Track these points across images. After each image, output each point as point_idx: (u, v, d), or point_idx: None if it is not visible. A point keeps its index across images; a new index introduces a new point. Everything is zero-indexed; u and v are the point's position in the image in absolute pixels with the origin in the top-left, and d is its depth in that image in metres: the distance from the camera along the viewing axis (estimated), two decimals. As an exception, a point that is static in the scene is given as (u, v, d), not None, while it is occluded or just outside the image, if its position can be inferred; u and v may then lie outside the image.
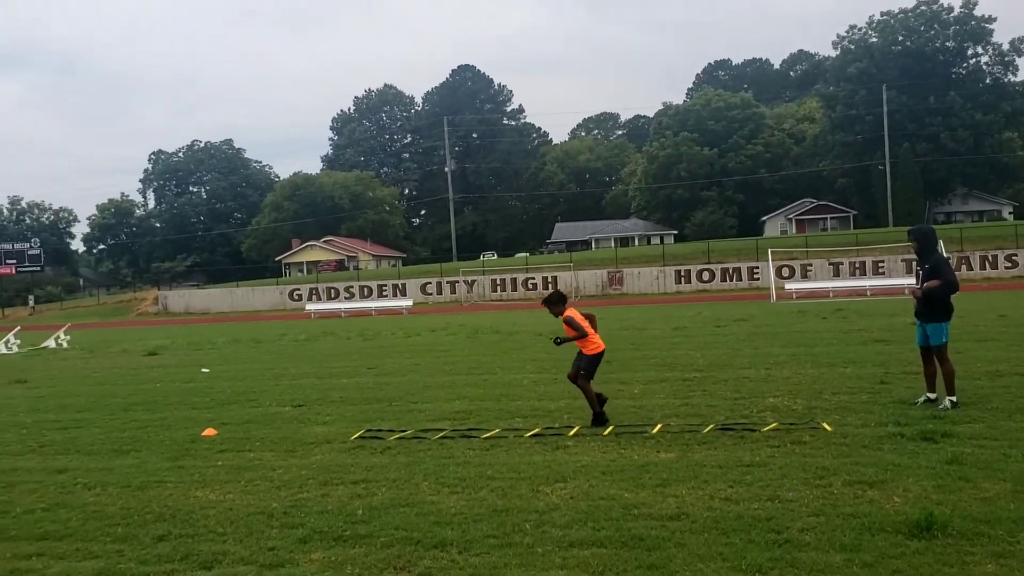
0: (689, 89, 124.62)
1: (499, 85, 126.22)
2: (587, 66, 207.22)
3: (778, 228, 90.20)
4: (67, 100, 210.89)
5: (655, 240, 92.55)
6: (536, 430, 9.33)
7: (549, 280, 59.58)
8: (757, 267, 55.46)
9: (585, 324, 9.66)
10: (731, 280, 56.32)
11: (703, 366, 14.54)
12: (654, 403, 10.88)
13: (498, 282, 61.14)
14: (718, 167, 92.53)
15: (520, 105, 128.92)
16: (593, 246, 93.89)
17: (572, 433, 9.10)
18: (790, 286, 45.40)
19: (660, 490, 6.73)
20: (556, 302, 9.92)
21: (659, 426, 9.21)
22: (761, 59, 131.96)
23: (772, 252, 49.36)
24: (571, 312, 9.73)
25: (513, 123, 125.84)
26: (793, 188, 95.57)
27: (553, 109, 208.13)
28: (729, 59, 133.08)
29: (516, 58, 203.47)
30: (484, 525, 6.04)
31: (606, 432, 9.06)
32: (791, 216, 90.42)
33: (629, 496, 6.60)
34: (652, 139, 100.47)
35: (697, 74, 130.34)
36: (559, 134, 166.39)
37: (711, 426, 9.07)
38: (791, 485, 6.66)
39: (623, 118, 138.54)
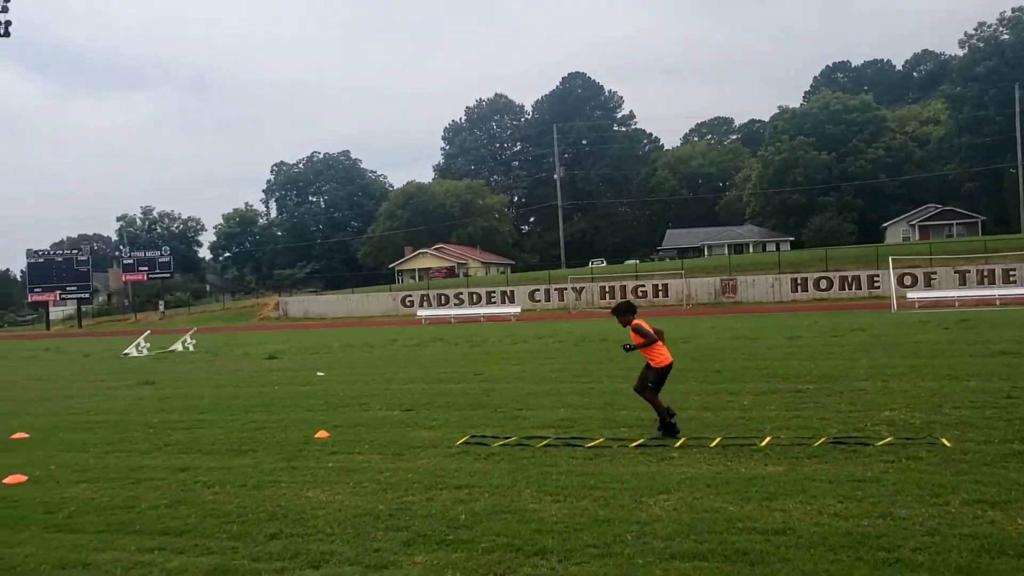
0: (806, 92, 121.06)
1: (609, 91, 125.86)
2: (700, 70, 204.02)
3: (900, 235, 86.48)
4: (195, 114, 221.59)
5: (770, 247, 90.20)
6: (641, 440, 9.26)
7: (660, 288, 58.86)
8: (877, 275, 53.33)
9: (652, 333, 9.67)
10: (850, 288, 54.37)
11: (817, 377, 14.10)
12: (764, 415, 10.63)
13: (607, 289, 60.75)
14: (836, 172, 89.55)
15: (631, 111, 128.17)
16: (706, 253, 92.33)
17: (677, 444, 8.98)
18: (912, 295, 43.46)
19: (766, 504, 6.57)
20: (625, 311, 9.92)
21: (768, 438, 9.00)
22: (882, 60, 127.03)
23: (893, 260, 47.36)
24: (640, 321, 9.78)
25: (623, 129, 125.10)
26: (916, 193, 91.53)
27: (665, 114, 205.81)
28: (848, 61, 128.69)
29: (627, 64, 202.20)
30: (585, 534, 6.03)
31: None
32: (914, 222, 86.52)
33: (734, 509, 6.47)
34: (767, 143, 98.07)
35: (815, 76, 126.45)
36: (671, 139, 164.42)
37: (822, 439, 8.79)
38: (905, 502, 6.40)
39: (737, 122, 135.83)
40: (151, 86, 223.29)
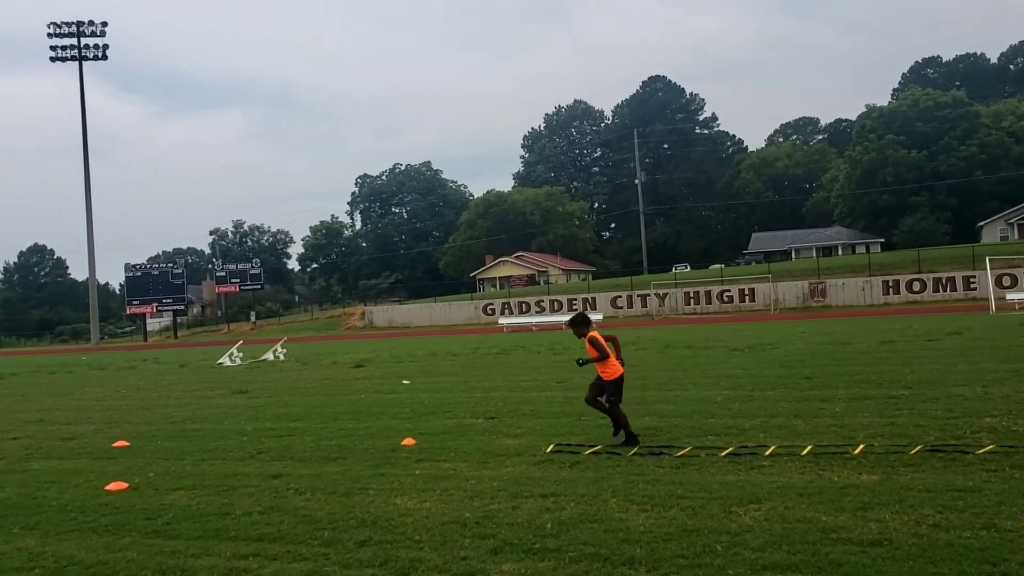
0: (894, 89, 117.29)
1: (691, 94, 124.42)
2: (784, 69, 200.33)
3: (997, 234, 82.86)
4: (283, 129, 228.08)
5: (860, 249, 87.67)
6: (730, 449, 9.09)
7: (746, 292, 57.84)
8: (974, 276, 51.36)
9: (607, 347, 10.01)
10: (944, 290, 52.47)
11: (912, 383, 13.65)
12: (857, 422, 10.33)
13: (691, 295, 59.98)
14: (928, 170, 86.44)
15: (713, 113, 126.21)
16: (793, 256, 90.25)
17: (768, 453, 8.79)
18: (1012, 296, 41.69)
19: (861, 514, 6.38)
20: (581, 323, 10.37)
21: (862, 446, 8.74)
22: (975, 54, 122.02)
23: (990, 260, 45.43)
24: (595, 334, 10.11)
25: (706, 132, 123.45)
26: (1014, 190, 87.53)
27: (748, 116, 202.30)
28: (939, 56, 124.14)
29: (708, 66, 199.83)
30: (674, 544, 5.96)
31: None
32: (1012, 220, 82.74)
33: (827, 519, 6.30)
34: (855, 143, 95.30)
35: (903, 73, 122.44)
36: (755, 141, 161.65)
37: (919, 447, 8.50)
38: (1010, 513, 6.13)
39: (823, 122, 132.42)
40: (240, 104, 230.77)
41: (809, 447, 8.87)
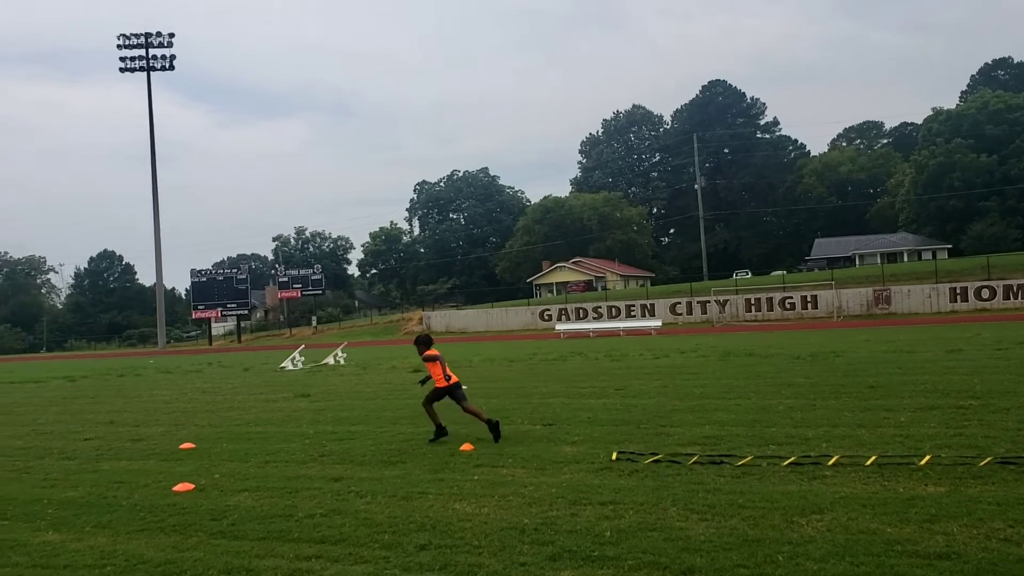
0: (962, 92, 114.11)
1: (752, 98, 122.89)
2: (847, 73, 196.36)
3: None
4: (343, 137, 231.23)
5: (926, 255, 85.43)
6: (792, 458, 8.97)
7: (808, 299, 56.85)
8: (1048, 283, 49.74)
9: (439, 364, 11.78)
10: (1016, 298, 50.86)
11: (981, 393, 13.29)
12: (923, 432, 10.11)
13: (752, 301, 59.15)
14: (998, 175, 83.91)
15: (774, 117, 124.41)
16: (857, 262, 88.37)
17: (831, 463, 8.65)
18: (1090, 304, 40.25)
19: (927, 526, 6.25)
20: (424, 343, 12.09)
21: (928, 457, 8.55)
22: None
23: (1066, 266, 44.01)
24: (432, 352, 11.84)
25: (767, 136, 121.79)
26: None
27: (810, 120, 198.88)
28: (1010, 57, 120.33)
29: (769, 69, 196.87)
30: (734, 554, 5.91)
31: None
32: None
33: (892, 531, 6.19)
34: (921, 147, 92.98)
35: (972, 75, 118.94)
36: (817, 146, 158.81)
37: (989, 459, 8.28)
38: (1087, 530, 5.94)
39: (888, 126, 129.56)
40: (302, 112, 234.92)
41: (873, 457, 8.71)
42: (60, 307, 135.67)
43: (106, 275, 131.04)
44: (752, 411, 12.93)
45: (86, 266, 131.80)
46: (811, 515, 6.77)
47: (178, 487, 9.34)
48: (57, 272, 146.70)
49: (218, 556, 6.64)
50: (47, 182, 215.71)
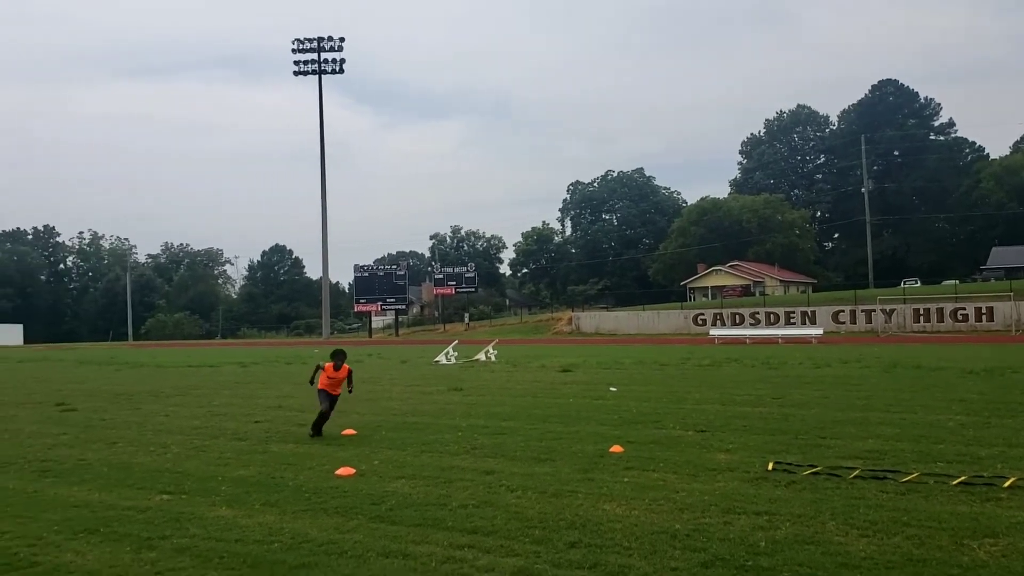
0: None
1: (925, 98, 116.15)
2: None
3: None
4: (499, 138, 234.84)
5: (1123, 267, 78.23)
6: (962, 478, 8.44)
7: (983, 311, 53.20)
8: None
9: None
10: None
11: None
12: (1117, 460, 9.26)
13: (921, 312, 55.89)
14: None
15: (949, 118, 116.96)
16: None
17: (1007, 484, 8.08)
18: None
19: (1123, 563, 5.73)
20: (342, 356, 13.65)
21: (1124, 487, 7.83)
22: None
23: None
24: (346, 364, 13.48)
25: (941, 138, 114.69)
26: None
27: (990, 121, 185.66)
28: None
29: (944, 68, 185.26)
30: (897, 573, 5.64)
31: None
32: None
33: (1080, 565, 5.71)
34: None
35: None
36: (998, 148, 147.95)
37: None
38: None
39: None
40: (460, 114, 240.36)
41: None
42: (235, 297, 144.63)
43: (277, 268, 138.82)
44: (919, 426, 12.25)
45: (259, 259, 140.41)
46: (983, 538, 6.36)
47: (340, 471, 9.76)
48: (233, 264, 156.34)
49: (376, 539, 6.89)
50: (225, 179, 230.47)
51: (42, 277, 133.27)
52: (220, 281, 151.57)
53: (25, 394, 22.14)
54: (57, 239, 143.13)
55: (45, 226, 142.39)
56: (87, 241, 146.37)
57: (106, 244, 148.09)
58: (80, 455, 11.53)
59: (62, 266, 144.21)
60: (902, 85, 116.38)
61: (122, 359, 43.42)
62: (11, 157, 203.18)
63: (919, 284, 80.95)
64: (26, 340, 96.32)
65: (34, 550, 6.80)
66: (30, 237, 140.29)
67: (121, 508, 8.23)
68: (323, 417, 12.94)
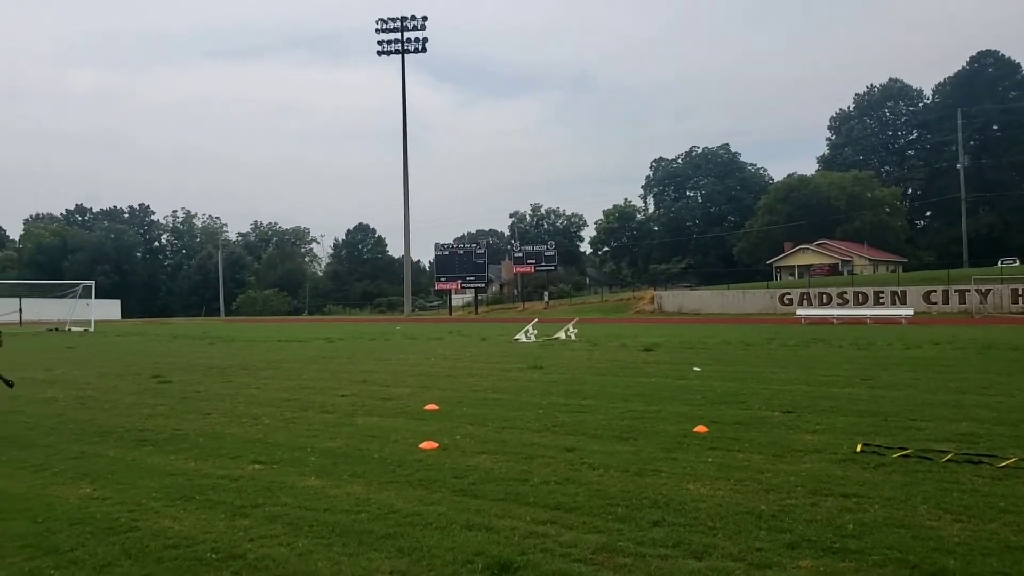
0: None
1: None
2: None
3: None
4: (580, 115, 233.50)
5: None
6: (1066, 465, 8.10)
7: (1088, 292, 50.75)
8: None
9: None
10: None
11: None
12: None
13: (1020, 292, 53.62)
14: None
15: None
16: None
17: (1114, 473, 7.72)
18: None
19: None
20: None
21: None
22: None
23: None
24: None
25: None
26: None
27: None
28: None
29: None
30: (994, 560, 5.45)
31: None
32: None
33: None
34: None
35: None
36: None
37: None
38: None
39: None
40: (538, 91, 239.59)
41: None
42: (320, 274, 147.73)
43: (361, 246, 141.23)
44: (1017, 409, 11.80)
45: (344, 237, 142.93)
46: (1091, 529, 6.10)
47: (424, 444, 9.92)
48: (319, 242, 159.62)
49: (460, 512, 6.99)
50: (311, 159, 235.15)
51: (138, 254, 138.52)
52: (307, 259, 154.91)
53: (124, 366, 23.11)
54: (152, 217, 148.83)
55: (140, 204, 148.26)
56: (180, 219, 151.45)
57: (198, 222, 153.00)
58: (176, 425, 11.99)
59: (157, 243, 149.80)
60: (1003, 56, 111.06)
61: (214, 334, 44.93)
62: (108, 140, 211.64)
63: (1017, 263, 77.56)
64: (123, 315, 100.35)
65: (134, 515, 7.10)
66: (126, 216, 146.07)
67: (215, 477, 8.54)
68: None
